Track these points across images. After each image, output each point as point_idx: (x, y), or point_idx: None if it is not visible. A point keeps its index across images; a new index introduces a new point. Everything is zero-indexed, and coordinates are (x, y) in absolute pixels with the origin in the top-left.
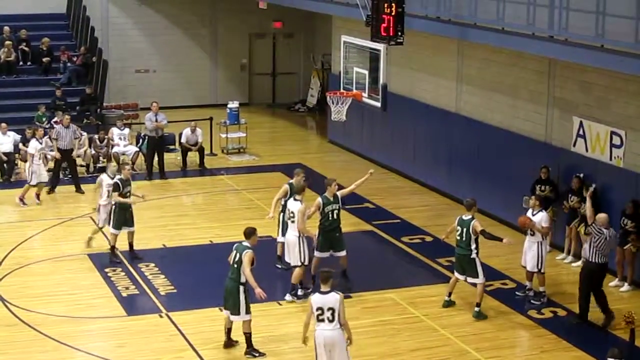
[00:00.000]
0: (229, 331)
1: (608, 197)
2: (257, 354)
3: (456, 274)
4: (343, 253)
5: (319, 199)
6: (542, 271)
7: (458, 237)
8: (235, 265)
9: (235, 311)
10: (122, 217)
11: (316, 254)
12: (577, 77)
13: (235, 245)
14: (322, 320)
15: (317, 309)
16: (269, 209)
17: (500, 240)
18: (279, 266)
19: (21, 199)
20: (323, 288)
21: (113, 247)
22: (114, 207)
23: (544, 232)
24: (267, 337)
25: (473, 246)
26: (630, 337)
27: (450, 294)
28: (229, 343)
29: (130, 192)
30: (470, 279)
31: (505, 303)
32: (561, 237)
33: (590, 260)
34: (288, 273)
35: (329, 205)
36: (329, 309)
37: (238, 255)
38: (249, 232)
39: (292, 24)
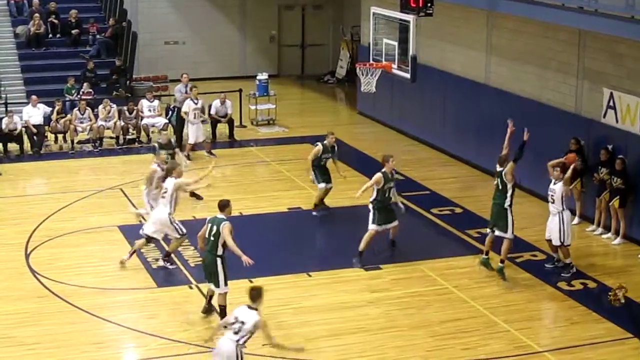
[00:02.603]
0: (210, 298)
1: (638, 168)
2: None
3: (488, 228)
4: (395, 223)
5: (380, 175)
6: (565, 244)
7: (495, 188)
8: (213, 238)
9: (217, 283)
10: None
11: (374, 227)
12: (607, 48)
13: (209, 219)
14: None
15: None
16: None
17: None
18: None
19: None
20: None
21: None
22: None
23: (566, 188)
24: (297, 308)
25: (509, 193)
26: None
27: (487, 252)
28: (209, 309)
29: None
30: (498, 232)
31: (535, 275)
32: (591, 209)
33: None
34: (313, 244)
35: (389, 182)
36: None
37: (215, 228)
38: (224, 205)
39: None
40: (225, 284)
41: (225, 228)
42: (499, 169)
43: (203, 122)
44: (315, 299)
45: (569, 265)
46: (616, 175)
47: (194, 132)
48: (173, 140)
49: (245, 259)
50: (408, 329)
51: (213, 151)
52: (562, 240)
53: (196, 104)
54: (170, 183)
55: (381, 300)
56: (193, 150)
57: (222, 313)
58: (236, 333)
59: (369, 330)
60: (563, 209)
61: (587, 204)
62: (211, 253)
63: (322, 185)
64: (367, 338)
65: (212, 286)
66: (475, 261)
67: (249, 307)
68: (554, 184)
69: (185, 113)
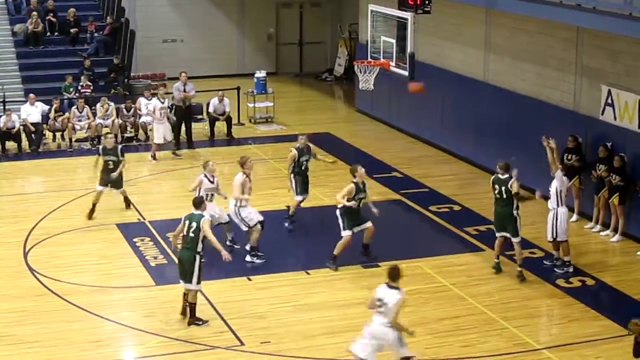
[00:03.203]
0: (190, 304)
1: (637, 165)
2: (200, 322)
3: (497, 233)
4: (369, 224)
5: (352, 186)
6: (557, 239)
7: (498, 196)
8: (193, 234)
9: (190, 279)
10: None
11: (347, 233)
12: (606, 45)
13: (185, 216)
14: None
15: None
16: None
17: (533, 194)
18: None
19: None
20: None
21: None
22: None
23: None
24: (296, 306)
25: (515, 203)
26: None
27: (498, 257)
28: (193, 321)
29: (114, 162)
30: (513, 238)
31: (533, 272)
32: (590, 206)
33: None
34: (312, 242)
35: (360, 193)
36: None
37: (195, 224)
38: (199, 202)
39: None
40: (199, 282)
41: (206, 223)
42: (501, 176)
43: (199, 120)
44: (315, 296)
45: (565, 262)
46: (615, 172)
47: (160, 132)
48: (120, 147)
49: (224, 254)
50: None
51: (178, 152)
52: (553, 236)
53: (163, 103)
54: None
55: None
56: (160, 150)
57: (192, 311)
58: (383, 314)
59: None
60: (559, 206)
61: (586, 202)
62: (191, 250)
63: (300, 197)
64: None
65: (183, 283)
66: (474, 259)
67: (389, 286)
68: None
69: (152, 112)
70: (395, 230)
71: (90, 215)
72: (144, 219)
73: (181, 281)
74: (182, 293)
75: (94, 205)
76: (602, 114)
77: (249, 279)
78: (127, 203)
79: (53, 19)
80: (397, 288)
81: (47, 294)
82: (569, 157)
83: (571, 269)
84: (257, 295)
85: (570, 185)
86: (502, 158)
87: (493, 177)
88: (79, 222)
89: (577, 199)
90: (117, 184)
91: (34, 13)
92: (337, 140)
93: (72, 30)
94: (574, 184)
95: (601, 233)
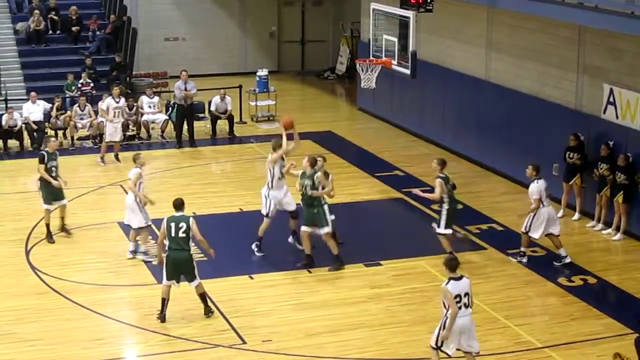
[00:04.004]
0: (201, 295)
1: (639, 164)
2: (213, 311)
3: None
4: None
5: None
6: (528, 233)
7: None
8: (184, 235)
9: (192, 277)
10: (49, 190)
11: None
12: (608, 44)
13: (169, 218)
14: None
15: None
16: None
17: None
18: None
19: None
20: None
21: (47, 225)
22: (39, 182)
23: (535, 206)
24: (297, 304)
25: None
26: None
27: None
28: (208, 310)
29: (56, 167)
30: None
31: (535, 271)
32: (591, 205)
33: None
34: (314, 240)
35: (304, 178)
36: (466, 294)
37: (184, 224)
38: (181, 204)
39: None
40: (198, 275)
41: (195, 224)
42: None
43: (201, 118)
44: (316, 295)
45: (520, 252)
46: (620, 171)
47: (111, 131)
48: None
49: (212, 252)
50: (409, 325)
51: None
52: (526, 229)
53: (117, 102)
54: None
55: (382, 296)
56: (109, 151)
57: (204, 300)
58: (468, 306)
59: (369, 326)
60: (539, 207)
61: (588, 200)
62: (185, 250)
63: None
64: (368, 334)
65: (174, 284)
66: (476, 257)
67: (454, 278)
68: (532, 181)
69: (105, 111)
70: (397, 229)
71: (50, 239)
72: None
73: (175, 282)
74: (161, 298)
75: (47, 226)
76: (604, 112)
77: (251, 278)
78: (63, 224)
79: (55, 17)
80: (462, 277)
81: (49, 292)
82: (571, 156)
83: (525, 260)
84: (259, 294)
85: (572, 183)
86: (504, 156)
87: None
88: (81, 220)
89: (578, 197)
90: (61, 193)
91: (36, 11)
92: (339, 138)
93: (74, 29)
94: (575, 182)
95: (603, 232)
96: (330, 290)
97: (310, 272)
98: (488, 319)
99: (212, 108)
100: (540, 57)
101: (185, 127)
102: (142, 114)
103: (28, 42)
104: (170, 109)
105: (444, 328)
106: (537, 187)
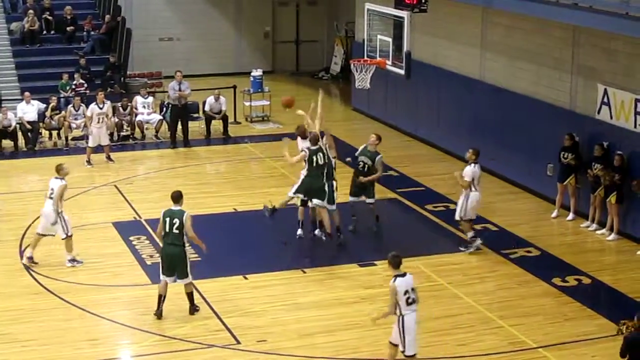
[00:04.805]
0: (188, 294)
1: (633, 164)
2: (198, 308)
3: None
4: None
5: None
6: (464, 219)
7: None
8: (177, 231)
9: (184, 275)
10: None
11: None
12: (602, 45)
13: (165, 212)
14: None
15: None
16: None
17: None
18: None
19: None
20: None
21: None
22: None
23: (464, 186)
24: (291, 304)
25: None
26: None
27: None
28: (194, 309)
29: None
30: None
31: (529, 271)
32: (586, 205)
33: None
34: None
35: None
36: (412, 289)
37: (178, 220)
38: (178, 196)
39: None
40: (191, 274)
41: (189, 219)
42: None
43: (195, 118)
44: (310, 295)
45: (472, 239)
46: (615, 171)
47: (95, 136)
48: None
49: (205, 247)
50: None
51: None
52: (460, 215)
53: (101, 108)
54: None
55: (376, 296)
56: (94, 153)
57: (191, 300)
58: (416, 301)
59: (363, 327)
60: (471, 190)
61: (582, 200)
62: (178, 245)
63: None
64: (362, 334)
65: (169, 279)
66: (470, 257)
67: (402, 275)
68: (469, 164)
69: (90, 118)
70: (392, 229)
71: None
72: (140, 217)
73: (167, 278)
74: (158, 294)
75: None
76: (598, 112)
77: (245, 278)
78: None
79: (49, 17)
80: (405, 273)
81: (43, 292)
82: (566, 156)
83: (479, 241)
84: (253, 294)
85: (567, 183)
86: (498, 156)
87: None
88: (75, 220)
89: (573, 197)
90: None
91: (31, 11)
92: (333, 138)
93: (68, 29)
94: (570, 182)
95: (597, 232)
96: (324, 291)
97: (304, 272)
98: (482, 319)
99: (207, 108)
100: (535, 58)
101: (179, 127)
102: (136, 114)
103: (22, 42)
104: (164, 109)
105: (403, 330)
106: (472, 170)
